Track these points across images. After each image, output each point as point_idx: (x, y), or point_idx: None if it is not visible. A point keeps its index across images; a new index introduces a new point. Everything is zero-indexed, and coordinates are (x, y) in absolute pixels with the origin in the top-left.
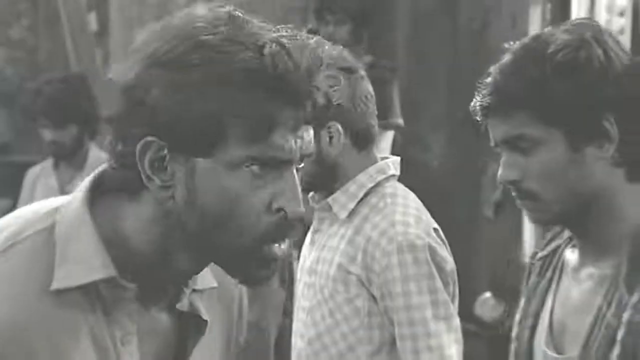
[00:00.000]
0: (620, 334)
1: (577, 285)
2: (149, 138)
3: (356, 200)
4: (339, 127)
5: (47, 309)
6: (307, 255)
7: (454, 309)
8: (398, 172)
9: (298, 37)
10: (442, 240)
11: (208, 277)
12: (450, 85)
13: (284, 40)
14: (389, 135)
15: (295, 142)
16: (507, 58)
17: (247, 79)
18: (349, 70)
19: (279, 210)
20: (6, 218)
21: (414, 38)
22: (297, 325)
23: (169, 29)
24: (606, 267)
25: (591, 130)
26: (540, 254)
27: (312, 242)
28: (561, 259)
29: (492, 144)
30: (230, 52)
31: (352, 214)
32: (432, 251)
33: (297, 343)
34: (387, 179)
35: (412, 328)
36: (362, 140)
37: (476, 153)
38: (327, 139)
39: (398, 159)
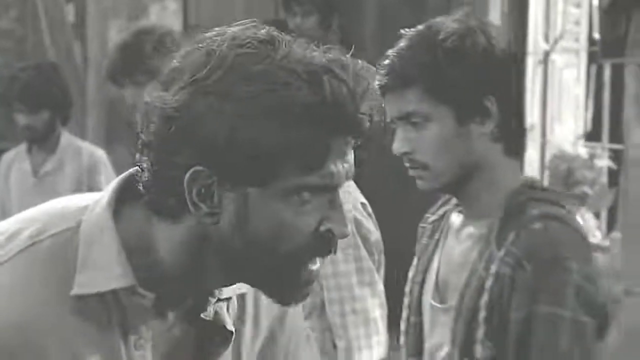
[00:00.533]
0: (488, 284)
1: (458, 245)
2: (198, 167)
3: None
4: None
5: (64, 313)
6: None
7: (378, 277)
8: None
9: (345, 60)
10: (368, 214)
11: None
12: None
13: (336, 69)
14: None
15: (344, 166)
16: (403, 43)
17: (306, 112)
18: None
19: (327, 231)
20: (33, 212)
21: (381, 29)
22: None
23: (211, 55)
24: (482, 227)
25: (475, 108)
26: (431, 219)
27: None
28: (448, 222)
29: (388, 120)
30: (285, 84)
31: None
32: (358, 223)
33: None
34: None
35: (339, 292)
36: None
37: None
38: None
39: None
